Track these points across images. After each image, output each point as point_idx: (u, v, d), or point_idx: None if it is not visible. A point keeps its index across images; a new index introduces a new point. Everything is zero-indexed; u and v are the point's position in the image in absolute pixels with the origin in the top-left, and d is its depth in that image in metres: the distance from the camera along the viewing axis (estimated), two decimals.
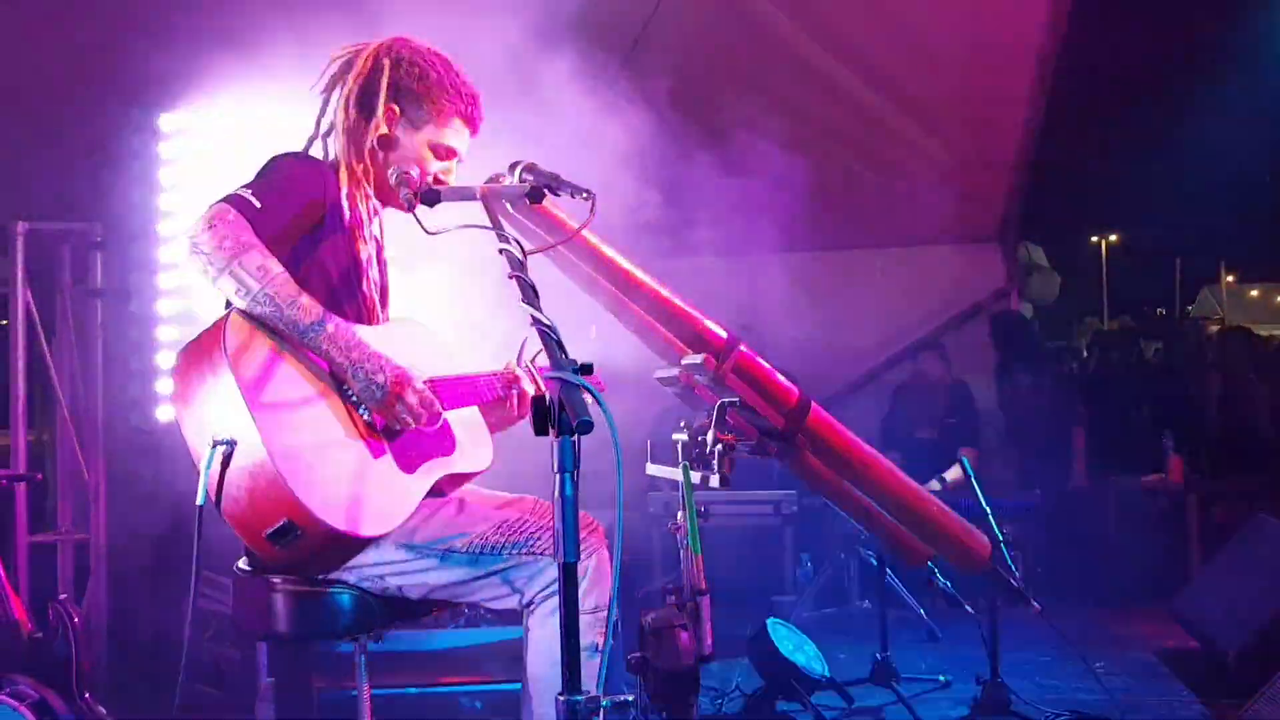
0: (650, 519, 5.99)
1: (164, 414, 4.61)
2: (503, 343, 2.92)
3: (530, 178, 2.51)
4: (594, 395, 1.67)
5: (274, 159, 2.47)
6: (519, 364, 2.86)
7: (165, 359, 4.61)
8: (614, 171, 3.47)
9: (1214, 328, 12.62)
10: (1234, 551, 5.03)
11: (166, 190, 4.64)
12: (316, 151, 2.62)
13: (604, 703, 1.67)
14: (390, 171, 2.52)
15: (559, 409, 1.66)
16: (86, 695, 3.06)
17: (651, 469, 3.36)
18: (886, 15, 6.30)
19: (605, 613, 2.56)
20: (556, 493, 1.68)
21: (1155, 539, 6.41)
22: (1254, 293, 30.11)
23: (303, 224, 2.44)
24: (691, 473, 3.15)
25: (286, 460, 2.17)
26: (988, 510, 3.85)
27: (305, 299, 2.29)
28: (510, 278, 2.05)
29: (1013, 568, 3.66)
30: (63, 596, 3.27)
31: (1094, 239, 31.98)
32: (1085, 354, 10.81)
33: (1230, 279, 30.05)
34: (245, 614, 2.54)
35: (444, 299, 3.53)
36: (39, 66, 4.72)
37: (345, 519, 2.22)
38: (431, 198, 2.42)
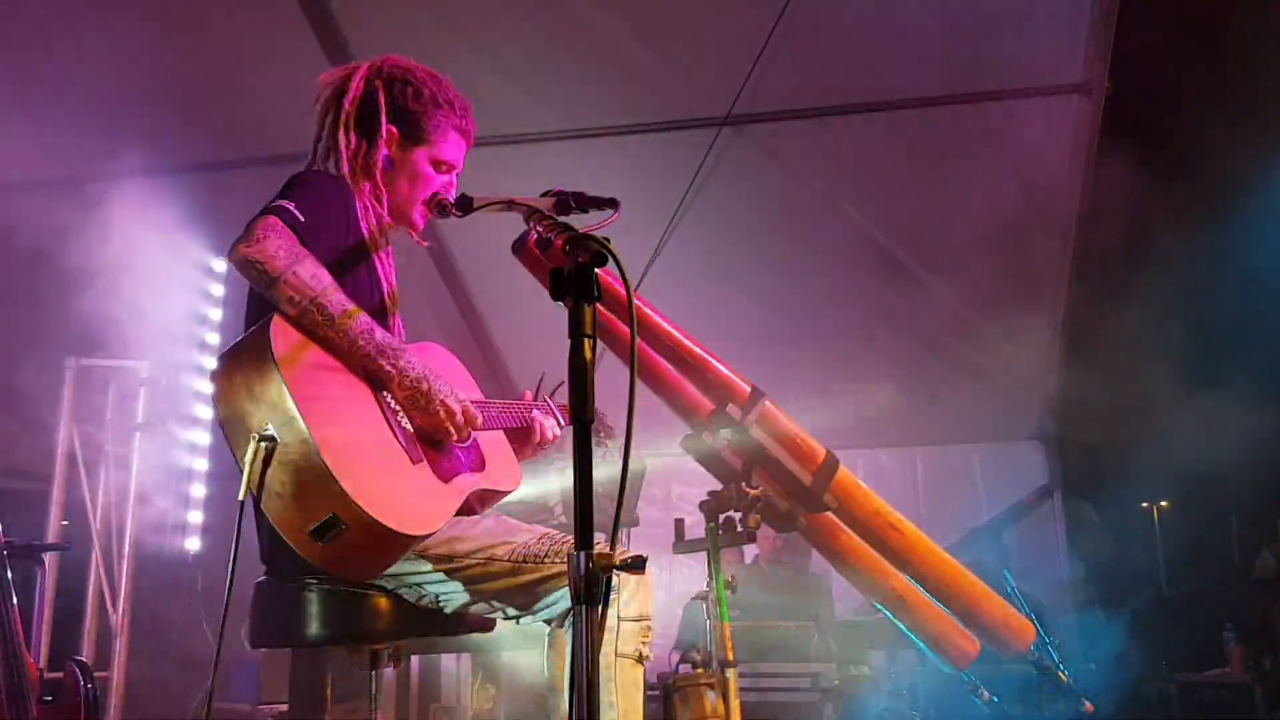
0: None
1: (193, 545, 4.61)
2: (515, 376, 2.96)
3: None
4: (613, 259, 1.70)
5: (304, 174, 2.52)
6: (537, 398, 2.90)
7: (199, 490, 4.65)
8: None
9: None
10: None
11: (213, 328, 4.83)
12: None
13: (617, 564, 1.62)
14: (429, 199, 2.64)
15: (574, 274, 1.69)
16: None
17: (679, 548, 3.30)
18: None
19: (648, 623, 2.49)
20: (571, 357, 1.68)
21: None
22: None
23: (338, 236, 2.48)
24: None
25: (333, 453, 2.12)
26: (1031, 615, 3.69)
27: (354, 307, 2.32)
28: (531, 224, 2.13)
29: (1059, 663, 3.48)
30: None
31: (1144, 504, 31.47)
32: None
33: None
34: (267, 621, 2.46)
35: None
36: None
37: (392, 515, 2.18)
38: (465, 204, 2.52)
